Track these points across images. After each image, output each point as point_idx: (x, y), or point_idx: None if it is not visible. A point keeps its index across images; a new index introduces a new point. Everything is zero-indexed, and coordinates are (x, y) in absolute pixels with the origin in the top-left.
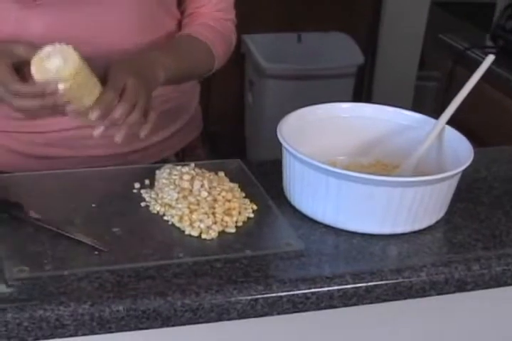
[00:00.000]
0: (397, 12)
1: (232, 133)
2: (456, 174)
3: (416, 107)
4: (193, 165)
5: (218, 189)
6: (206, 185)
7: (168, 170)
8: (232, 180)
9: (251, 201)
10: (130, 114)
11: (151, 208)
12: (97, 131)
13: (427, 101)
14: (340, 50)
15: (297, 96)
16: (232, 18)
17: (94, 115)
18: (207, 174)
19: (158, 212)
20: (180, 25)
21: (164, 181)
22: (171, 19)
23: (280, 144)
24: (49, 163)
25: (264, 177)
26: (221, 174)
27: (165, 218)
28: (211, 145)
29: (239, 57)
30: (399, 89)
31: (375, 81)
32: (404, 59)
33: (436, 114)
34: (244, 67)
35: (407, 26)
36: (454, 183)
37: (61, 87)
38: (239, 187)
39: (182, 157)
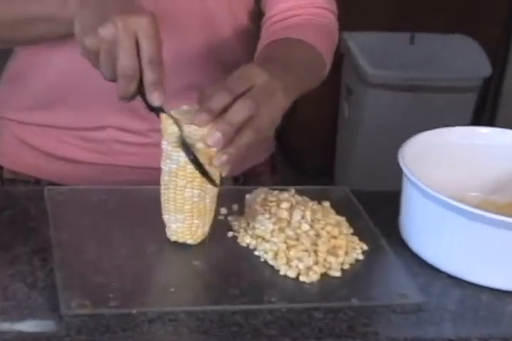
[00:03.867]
0: None
1: (320, 151)
2: None
3: None
4: (293, 191)
5: (323, 222)
6: (308, 217)
7: (262, 196)
8: (338, 212)
9: (360, 239)
10: (243, 131)
11: (239, 240)
12: (221, 160)
13: None
14: (463, 57)
15: (404, 112)
16: (334, 10)
17: (199, 118)
18: (309, 203)
19: (248, 245)
20: (254, 19)
21: (258, 208)
22: (244, 10)
23: (396, 172)
24: (75, 168)
25: (375, 210)
26: (326, 204)
27: (256, 253)
28: (294, 165)
29: (336, 59)
30: None
31: (502, 99)
32: None
33: None
34: (342, 72)
35: None
36: None
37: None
38: (346, 221)
39: (242, 183)
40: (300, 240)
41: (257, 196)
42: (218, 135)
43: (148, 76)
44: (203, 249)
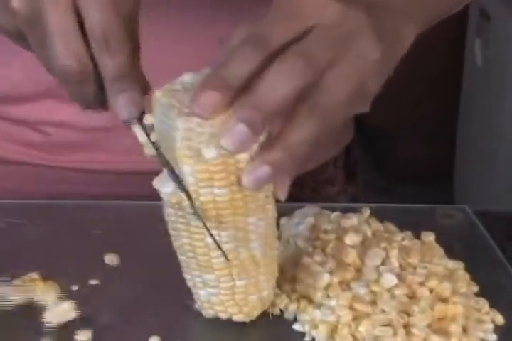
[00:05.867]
0: None
1: (425, 136)
2: None
3: None
4: (367, 211)
5: (421, 271)
6: (395, 261)
7: (311, 221)
8: (451, 254)
9: (492, 305)
10: (298, 118)
11: None
12: (255, 176)
13: None
14: None
15: None
16: None
17: (203, 103)
18: (397, 236)
19: (282, 313)
20: None
21: (302, 244)
22: None
23: None
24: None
25: None
26: (428, 238)
27: (297, 327)
28: (376, 161)
29: None
30: None
31: None
32: None
33: None
34: None
35: None
36: None
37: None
38: (467, 270)
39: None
40: (380, 305)
41: (301, 221)
42: (242, 130)
43: (105, 68)
44: (201, 323)
